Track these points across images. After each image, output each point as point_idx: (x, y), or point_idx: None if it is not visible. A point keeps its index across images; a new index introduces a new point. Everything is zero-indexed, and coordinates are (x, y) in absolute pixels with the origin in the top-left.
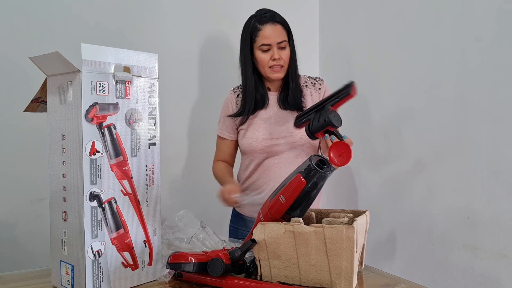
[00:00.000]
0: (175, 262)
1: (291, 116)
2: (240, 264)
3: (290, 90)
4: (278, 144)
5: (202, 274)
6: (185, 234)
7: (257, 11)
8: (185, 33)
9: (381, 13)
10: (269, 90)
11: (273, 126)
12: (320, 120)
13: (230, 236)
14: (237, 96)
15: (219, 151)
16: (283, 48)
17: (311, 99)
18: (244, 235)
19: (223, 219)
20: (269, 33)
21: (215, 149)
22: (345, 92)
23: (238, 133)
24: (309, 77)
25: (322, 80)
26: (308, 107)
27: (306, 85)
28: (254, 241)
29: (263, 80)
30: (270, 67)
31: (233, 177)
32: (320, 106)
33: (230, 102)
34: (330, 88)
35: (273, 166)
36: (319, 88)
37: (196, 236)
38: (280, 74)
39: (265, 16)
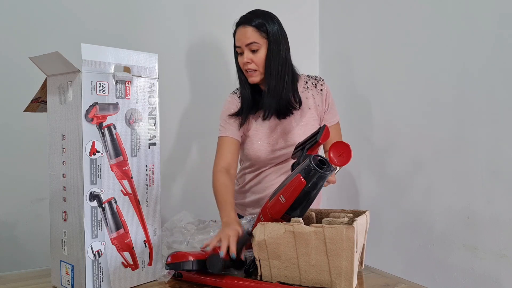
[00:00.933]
0: (174, 262)
1: (296, 121)
2: (240, 260)
3: (264, 96)
4: (285, 153)
5: (202, 273)
6: (183, 237)
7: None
8: (185, 33)
9: (381, 14)
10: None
11: (279, 135)
12: (297, 163)
13: None
14: (239, 97)
15: (225, 152)
16: (255, 51)
17: (313, 101)
18: None
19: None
20: (238, 35)
21: (217, 153)
22: (314, 140)
23: (244, 139)
24: (309, 76)
25: (323, 80)
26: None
27: (307, 87)
28: (250, 234)
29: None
30: (245, 70)
31: (234, 206)
32: (302, 146)
33: (234, 104)
34: (329, 88)
35: (277, 172)
36: (321, 90)
37: (193, 237)
38: (254, 78)
39: (240, 19)
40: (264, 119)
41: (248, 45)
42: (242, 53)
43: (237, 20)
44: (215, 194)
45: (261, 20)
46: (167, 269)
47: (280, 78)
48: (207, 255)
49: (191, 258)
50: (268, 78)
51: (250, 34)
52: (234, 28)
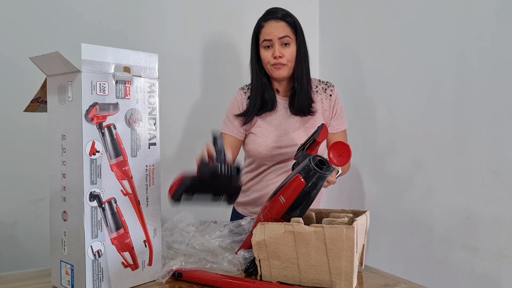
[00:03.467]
0: (174, 191)
1: (301, 123)
2: (236, 168)
3: (296, 94)
4: (287, 152)
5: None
6: (183, 237)
7: (267, 10)
8: (185, 33)
9: (381, 13)
10: (278, 92)
11: (283, 134)
12: (297, 163)
13: None
14: (248, 98)
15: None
16: (286, 44)
17: (321, 106)
18: None
19: (223, 220)
20: (271, 29)
21: None
22: (312, 139)
23: (246, 135)
24: (319, 81)
25: (333, 86)
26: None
27: (317, 91)
28: (216, 134)
29: (272, 81)
30: (272, 64)
31: None
32: (302, 147)
33: (240, 102)
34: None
35: (277, 171)
36: (330, 95)
37: (193, 239)
38: (282, 72)
39: (270, 13)
40: (303, 116)
41: (281, 38)
42: (270, 47)
43: (264, 15)
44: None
45: (291, 17)
46: (172, 201)
47: (307, 76)
48: (198, 168)
49: (184, 177)
50: (298, 74)
51: (283, 28)
52: (261, 23)
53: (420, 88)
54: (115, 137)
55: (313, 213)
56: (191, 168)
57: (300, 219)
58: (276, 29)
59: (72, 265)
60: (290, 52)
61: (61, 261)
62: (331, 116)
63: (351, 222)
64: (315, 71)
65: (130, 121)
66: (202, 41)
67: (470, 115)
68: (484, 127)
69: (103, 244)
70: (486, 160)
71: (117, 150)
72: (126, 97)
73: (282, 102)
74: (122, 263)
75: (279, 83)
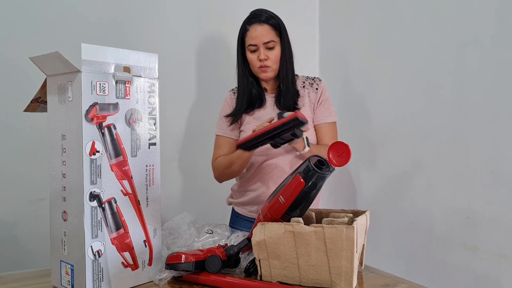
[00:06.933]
0: (174, 263)
1: None
2: (236, 259)
3: (282, 93)
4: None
5: (199, 272)
6: (183, 240)
7: (251, 12)
8: (185, 33)
9: (381, 14)
10: (266, 91)
11: None
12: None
13: None
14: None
15: (220, 149)
16: (271, 48)
17: (308, 100)
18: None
19: (223, 220)
20: (256, 33)
21: (214, 150)
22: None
23: (240, 134)
24: (307, 77)
25: (320, 80)
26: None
27: (303, 86)
28: (249, 240)
29: (259, 80)
30: (258, 67)
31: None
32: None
33: (230, 103)
34: (328, 88)
35: (273, 167)
36: (317, 89)
37: (192, 239)
38: (267, 74)
39: (255, 17)
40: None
41: (266, 43)
42: (255, 51)
43: (249, 18)
44: (221, 165)
45: (275, 19)
46: (167, 269)
47: (292, 75)
48: (206, 256)
49: (191, 259)
50: (283, 75)
51: (268, 32)
52: (246, 26)
53: (420, 87)
54: (115, 137)
55: (313, 213)
56: (191, 168)
57: (300, 219)
58: (261, 34)
59: (72, 265)
60: (275, 55)
61: (61, 261)
62: (316, 106)
63: (351, 222)
64: (315, 71)
65: (130, 121)
66: (202, 41)
67: (469, 115)
68: (483, 127)
69: (103, 244)
70: (485, 160)
71: (117, 150)
72: (126, 97)
73: (269, 99)
74: (122, 263)
75: (266, 83)
